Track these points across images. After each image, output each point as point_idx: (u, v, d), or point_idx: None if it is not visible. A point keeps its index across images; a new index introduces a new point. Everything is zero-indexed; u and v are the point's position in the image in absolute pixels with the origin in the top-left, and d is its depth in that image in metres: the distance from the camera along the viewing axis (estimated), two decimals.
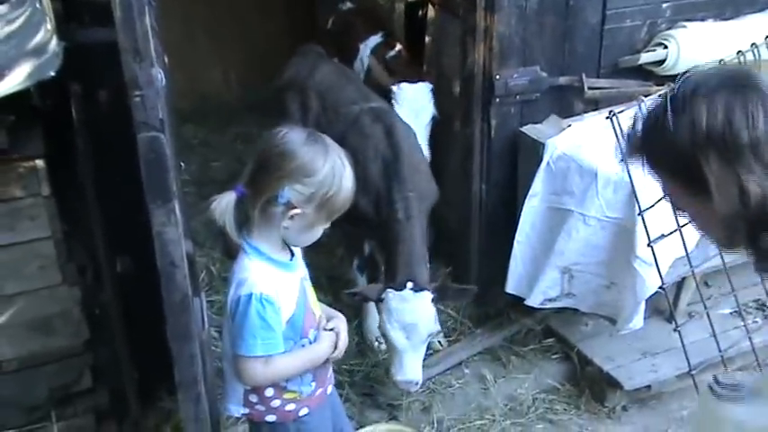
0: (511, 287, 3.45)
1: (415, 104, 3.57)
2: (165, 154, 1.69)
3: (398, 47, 4.08)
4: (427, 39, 4.13)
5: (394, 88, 3.59)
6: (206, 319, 2.37)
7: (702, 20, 3.60)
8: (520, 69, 3.37)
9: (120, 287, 2.78)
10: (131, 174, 1.83)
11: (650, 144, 1.35)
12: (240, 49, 5.87)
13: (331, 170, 1.84)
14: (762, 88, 1.26)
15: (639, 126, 1.38)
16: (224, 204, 1.89)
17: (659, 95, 1.39)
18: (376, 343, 3.50)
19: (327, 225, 1.94)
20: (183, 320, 1.86)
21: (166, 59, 2.35)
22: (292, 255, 2.02)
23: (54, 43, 2.13)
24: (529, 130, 3.43)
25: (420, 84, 3.61)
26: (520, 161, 3.48)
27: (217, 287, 3.78)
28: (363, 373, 3.43)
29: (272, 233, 1.92)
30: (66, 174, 2.57)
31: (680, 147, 1.27)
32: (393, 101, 3.56)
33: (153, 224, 1.76)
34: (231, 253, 1.97)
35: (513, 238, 3.35)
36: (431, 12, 4.07)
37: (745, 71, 1.35)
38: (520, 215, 3.32)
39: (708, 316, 3.18)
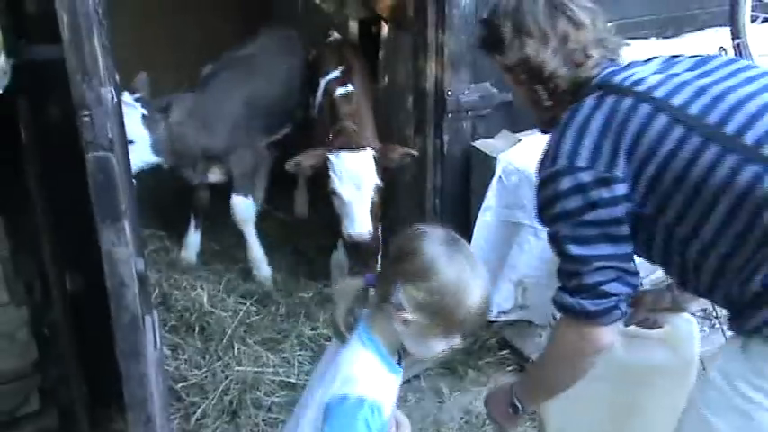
0: None
1: (355, 176, 3.25)
2: (115, 173, 1.68)
3: (350, 87, 3.70)
4: (380, 54, 4.16)
5: (332, 158, 3.26)
6: (158, 337, 2.35)
7: (645, 38, 3.71)
8: (471, 86, 3.42)
9: (70, 304, 2.73)
10: (82, 189, 1.82)
11: (479, 33, 1.98)
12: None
13: (453, 280, 1.62)
14: None
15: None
16: (346, 288, 1.80)
17: None
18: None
19: (449, 343, 1.71)
20: (132, 339, 1.85)
21: (117, 78, 2.33)
22: (400, 357, 1.83)
23: (2, 60, 2.10)
24: (481, 144, 3.48)
25: (361, 152, 3.28)
26: (473, 176, 3.52)
27: (169, 305, 3.73)
28: None
29: (390, 332, 1.71)
30: (14, 190, 2.53)
31: (489, 23, 1.91)
32: (331, 171, 3.27)
33: (102, 243, 1.75)
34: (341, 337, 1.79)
35: None
36: (384, 28, 4.10)
37: None
38: (474, 229, 3.36)
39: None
